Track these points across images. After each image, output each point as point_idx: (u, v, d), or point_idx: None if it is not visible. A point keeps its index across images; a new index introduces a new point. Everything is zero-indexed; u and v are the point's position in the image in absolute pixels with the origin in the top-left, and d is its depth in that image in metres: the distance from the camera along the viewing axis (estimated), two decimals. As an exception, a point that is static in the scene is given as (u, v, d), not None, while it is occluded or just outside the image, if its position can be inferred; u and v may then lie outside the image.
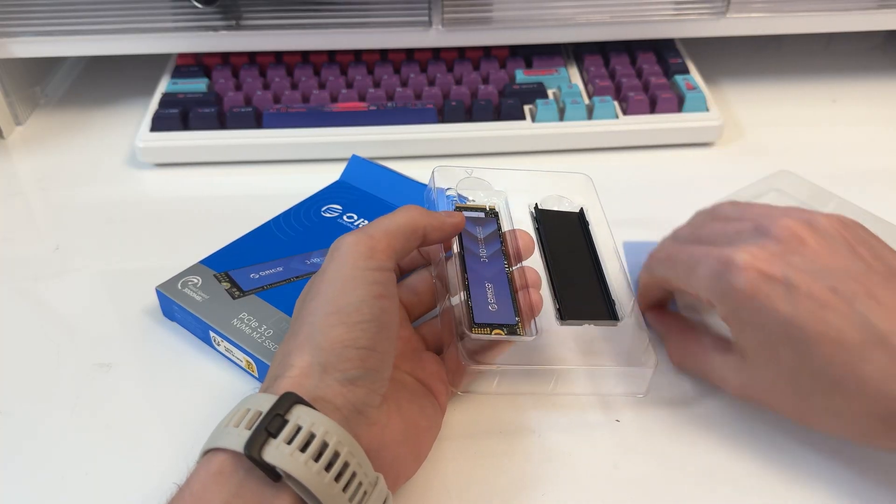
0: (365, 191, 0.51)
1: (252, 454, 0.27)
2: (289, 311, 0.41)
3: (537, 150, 0.57)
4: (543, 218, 0.42)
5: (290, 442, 0.27)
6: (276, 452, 0.27)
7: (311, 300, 0.32)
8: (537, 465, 0.36)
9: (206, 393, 0.40)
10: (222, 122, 0.57)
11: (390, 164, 0.56)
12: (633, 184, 0.55)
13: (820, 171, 0.52)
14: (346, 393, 0.30)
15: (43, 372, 0.41)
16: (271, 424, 0.27)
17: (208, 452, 0.29)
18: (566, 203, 0.43)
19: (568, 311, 0.37)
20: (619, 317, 0.37)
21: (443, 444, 0.36)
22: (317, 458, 0.27)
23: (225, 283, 0.43)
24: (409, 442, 0.32)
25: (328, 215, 0.48)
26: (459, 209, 0.41)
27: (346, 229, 0.47)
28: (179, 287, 0.43)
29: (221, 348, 0.41)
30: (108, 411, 0.39)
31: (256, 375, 0.39)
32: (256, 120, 0.57)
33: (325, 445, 0.28)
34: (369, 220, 0.48)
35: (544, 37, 0.60)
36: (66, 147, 0.60)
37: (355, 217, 0.48)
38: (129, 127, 0.61)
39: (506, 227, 0.41)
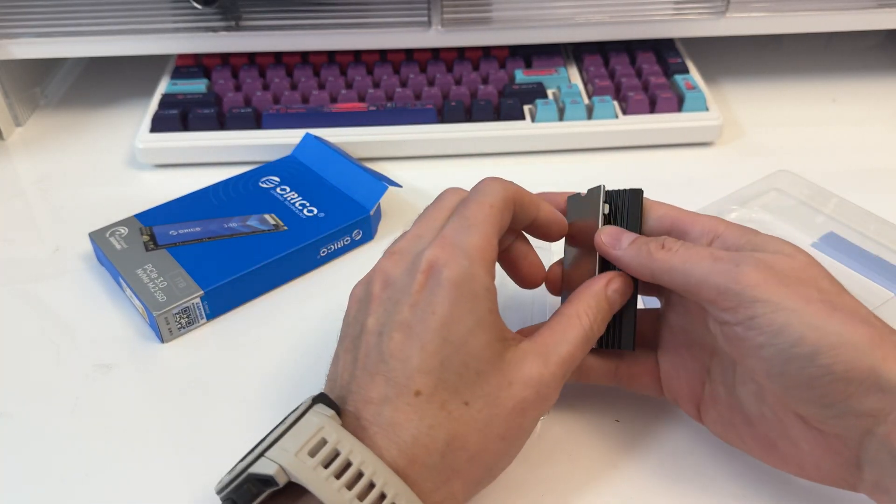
0: (312, 169, 0.52)
1: None
2: (190, 269, 0.44)
3: (537, 150, 0.57)
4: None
5: None
6: None
7: (510, 436, 0.29)
8: (536, 465, 0.36)
9: (206, 394, 0.40)
10: (222, 122, 0.57)
11: (390, 164, 0.56)
12: (632, 183, 0.54)
13: (820, 171, 0.52)
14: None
15: (43, 373, 0.41)
16: None
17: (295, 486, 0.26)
18: None
19: None
20: None
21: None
22: None
23: (145, 237, 0.46)
24: None
25: (264, 185, 0.51)
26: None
27: (274, 199, 0.50)
28: (107, 236, 0.47)
29: (127, 294, 0.45)
30: (107, 412, 0.39)
31: (147, 320, 0.43)
32: (256, 121, 0.57)
33: None
34: (304, 197, 0.50)
35: (544, 37, 0.60)
36: (66, 148, 0.60)
37: (288, 189, 0.50)
38: (129, 128, 0.61)
39: None
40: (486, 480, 0.30)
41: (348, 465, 0.26)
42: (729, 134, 0.59)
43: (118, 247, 0.46)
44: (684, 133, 0.57)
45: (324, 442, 0.27)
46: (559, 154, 0.57)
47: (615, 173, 0.56)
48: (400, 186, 0.50)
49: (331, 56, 0.64)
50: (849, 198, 0.48)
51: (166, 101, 0.59)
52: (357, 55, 0.64)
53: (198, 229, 0.47)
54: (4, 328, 0.44)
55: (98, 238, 0.47)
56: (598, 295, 0.33)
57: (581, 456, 0.36)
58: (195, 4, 0.56)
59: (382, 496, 0.26)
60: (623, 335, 0.35)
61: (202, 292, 0.43)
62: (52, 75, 0.68)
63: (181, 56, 0.64)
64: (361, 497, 0.26)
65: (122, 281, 0.44)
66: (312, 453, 0.27)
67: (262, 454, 0.27)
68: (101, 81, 0.68)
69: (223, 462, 0.30)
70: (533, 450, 0.37)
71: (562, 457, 0.36)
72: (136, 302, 0.43)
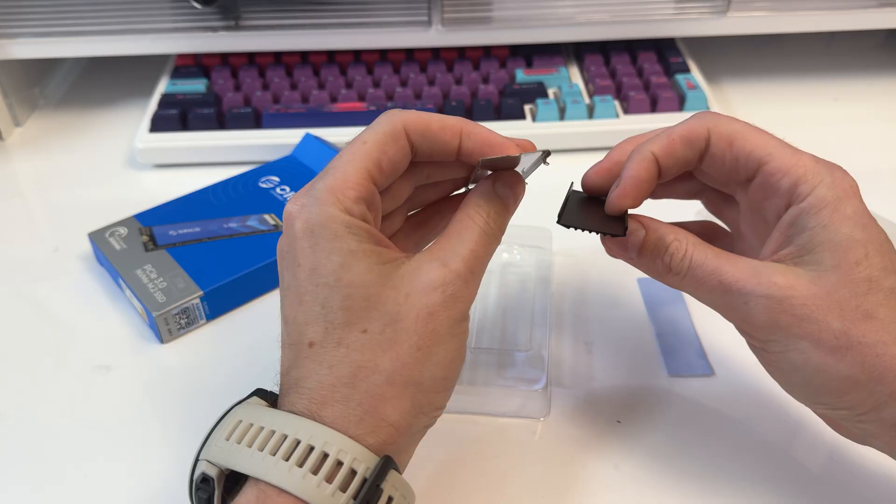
0: (311, 169, 0.53)
1: None
2: (190, 269, 0.44)
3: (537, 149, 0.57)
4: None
5: None
6: None
7: (425, 345, 0.28)
8: (537, 465, 0.36)
9: (205, 395, 0.40)
10: (221, 122, 0.57)
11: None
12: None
13: (821, 170, 0.52)
14: (417, 441, 0.30)
15: (42, 374, 0.41)
16: (370, 496, 0.26)
17: (260, 483, 0.26)
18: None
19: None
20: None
21: (441, 446, 0.36)
22: None
23: (144, 237, 0.47)
24: None
25: (264, 185, 0.51)
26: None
27: (273, 199, 0.50)
28: (106, 236, 0.47)
29: (127, 295, 0.45)
30: (107, 413, 0.39)
31: (146, 321, 0.43)
32: (256, 120, 0.57)
33: None
34: None
35: (544, 36, 0.60)
36: (66, 148, 0.60)
37: (287, 189, 0.51)
38: (129, 128, 0.61)
39: None
40: (423, 395, 0.28)
41: (270, 433, 0.27)
42: (730, 133, 0.59)
43: (117, 247, 0.46)
44: (685, 132, 0.57)
45: (239, 423, 0.28)
46: (560, 154, 0.57)
47: (616, 173, 0.55)
48: None
49: (331, 56, 0.64)
50: (850, 197, 0.48)
51: (166, 100, 0.59)
52: (357, 55, 0.63)
53: (197, 229, 0.47)
54: (4, 328, 0.44)
55: (97, 238, 0.47)
56: (485, 193, 0.31)
57: (581, 456, 0.36)
58: (195, 4, 0.56)
59: (296, 443, 0.27)
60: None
61: (201, 293, 0.42)
62: (52, 75, 0.68)
63: (181, 56, 0.64)
64: (289, 456, 0.26)
65: (121, 281, 0.44)
66: (238, 439, 0.27)
67: (196, 460, 0.28)
68: (101, 81, 0.68)
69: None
70: (533, 450, 0.36)
71: (562, 457, 0.36)
72: (136, 302, 0.43)
